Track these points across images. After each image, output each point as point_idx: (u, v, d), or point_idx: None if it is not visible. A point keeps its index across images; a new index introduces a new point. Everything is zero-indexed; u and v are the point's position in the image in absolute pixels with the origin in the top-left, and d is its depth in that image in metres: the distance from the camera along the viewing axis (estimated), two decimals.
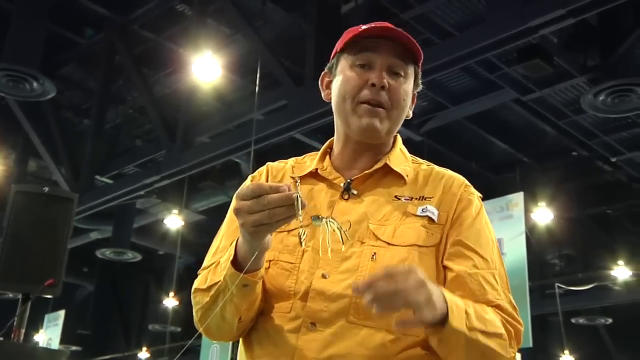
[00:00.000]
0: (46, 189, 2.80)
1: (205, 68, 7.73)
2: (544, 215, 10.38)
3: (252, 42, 8.28)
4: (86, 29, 9.35)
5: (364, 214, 1.37)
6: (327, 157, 1.50)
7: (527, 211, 8.27)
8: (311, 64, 7.42)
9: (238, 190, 1.20)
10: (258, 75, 7.66)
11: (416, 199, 1.40)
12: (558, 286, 10.25)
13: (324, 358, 1.26)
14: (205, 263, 1.42)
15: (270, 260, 1.36)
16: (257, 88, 7.66)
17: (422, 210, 1.38)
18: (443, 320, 1.20)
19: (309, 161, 1.53)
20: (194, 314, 1.40)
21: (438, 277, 1.34)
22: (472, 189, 1.46)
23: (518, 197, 7.18)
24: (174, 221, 11.42)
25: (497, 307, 1.32)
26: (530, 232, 9.81)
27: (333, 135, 1.53)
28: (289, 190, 1.16)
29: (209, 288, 1.33)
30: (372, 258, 1.32)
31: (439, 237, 1.36)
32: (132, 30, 9.34)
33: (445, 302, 1.21)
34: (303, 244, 1.22)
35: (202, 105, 9.48)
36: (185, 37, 8.91)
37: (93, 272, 15.08)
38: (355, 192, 1.40)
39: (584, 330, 13.42)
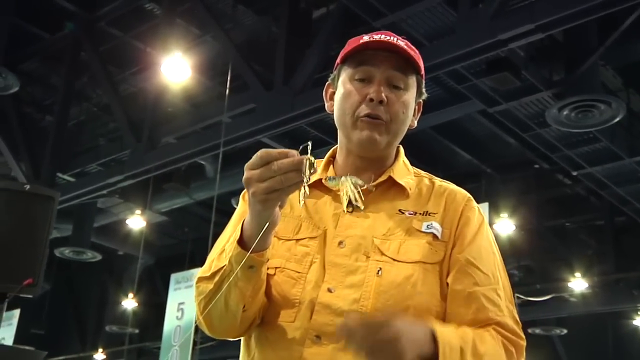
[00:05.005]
0: (27, 186, 2.72)
1: (174, 68, 7.66)
2: (505, 226, 10.52)
3: (222, 45, 8.24)
4: (65, 22, 9.15)
5: (368, 227, 1.37)
6: (331, 166, 1.49)
7: (489, 222, 8.36)
8: (281, 68, 7.41)
9: (247, 163, 1.19)
10: (229, 78, 7.62)
11: (420, 214, 1.40)
12: (517, 296, 10.40)
13: None
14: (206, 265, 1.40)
15: (276, 267, 1.36)
16: (227, 91, 7.62)
17: (427, 226, 1.38)
18: None
19: None
20: (196, 307, 1.37)
21: (441, 294, 1.34)
22: (474, 204, 1.46)
23: (483, 208, 7.23)
24: (135, 221, 11.27)
25: (498, 324, 1.32)
26: None
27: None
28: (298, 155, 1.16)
29: (213, 275, 1.30)
30: (377, 273, 1.32)
31: (442, 254, 1.36)
32: (99, 27, 9.21)
33: (436, 344, 1.19)
34: (301, 202, 1.21)
35: (168, 106, 9.40)
36: (153, 36, 8.82)
37: (50, 271, 14.78)
38: (359, 205, 1.40)
39: (539, 340, 13.63)
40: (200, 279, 1.35)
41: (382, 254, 1.34)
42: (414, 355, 1.16)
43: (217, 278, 1.29)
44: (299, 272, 1.34)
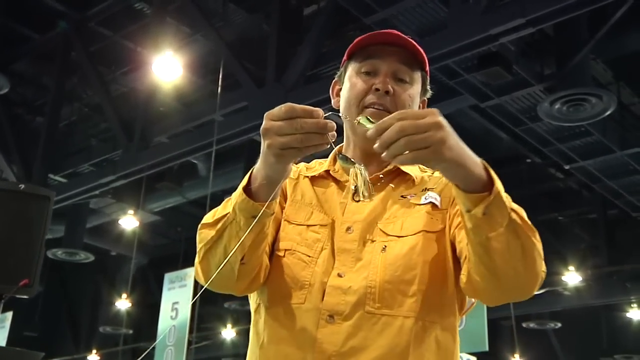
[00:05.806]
0: (22, 186, 2.69)
1: (165, 67, 7.63)
2: None
3: (213, 43, 8.22)
4: (55, 22, 9.10)
5: (373, 212, 1.38)
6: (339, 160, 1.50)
7: None
8: (272, 65, 7.40)
9: (269, 112, 1.15)
10: (220, 76, 7.60)
11: (420, 191, 1.42)
12: None
13: (345, 351, 1.27)
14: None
15: (286, 250, 1.37)
16: (219, 89, 7.60)
17: (425, 198, 1.39)
18: (484, 188, 1.14)
19: (317, 165, 1.53)
20: (196, 255, 1.35)
21: (446, 260, 1.34)
22: None
23: None
24: (128, 222, 11.23)
25: None
26: None
27: None
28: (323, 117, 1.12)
29: (216, 222, 1.29)
30: (382, 250, 1.33)
31: (443, 224, 1.37)
32: (89, 27, 9.18)
33: (486, 168, 1.15)
34: (362, 196, 1.19)
35: (160, 105, 9.37)
36: (143, 35, 8.80)
37: (43, 273, 14.66)
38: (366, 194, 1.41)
39: (534, 334, 13.67)
40: (203, 225, 1.33)
41: (387, 234, 1.35)
42: (460, 152, 1.12)
43: (219, 225, 1.27)
44: (309, 256, 1.35)
